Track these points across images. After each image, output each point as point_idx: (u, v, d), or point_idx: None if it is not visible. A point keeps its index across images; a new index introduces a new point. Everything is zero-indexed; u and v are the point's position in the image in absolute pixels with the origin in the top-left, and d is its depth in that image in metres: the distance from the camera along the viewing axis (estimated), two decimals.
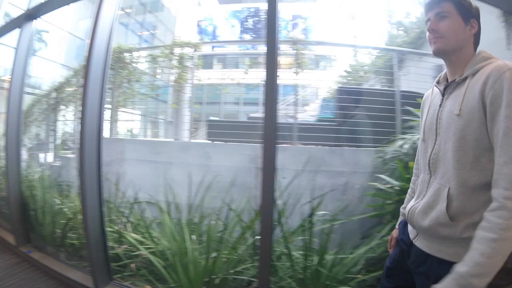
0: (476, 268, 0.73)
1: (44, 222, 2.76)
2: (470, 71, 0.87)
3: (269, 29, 1.55)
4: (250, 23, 22.42)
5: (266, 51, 1.54)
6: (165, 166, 3.20)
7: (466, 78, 0.88)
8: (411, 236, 1.01)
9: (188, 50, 3.52)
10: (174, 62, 3.57)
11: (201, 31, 21.95)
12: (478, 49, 0.94)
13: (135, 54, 4.00)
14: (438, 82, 1.01)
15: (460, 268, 0.76)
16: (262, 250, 1.55)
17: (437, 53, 0.95)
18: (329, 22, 17.98)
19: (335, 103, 4.12)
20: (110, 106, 3.91)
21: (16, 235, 2.91)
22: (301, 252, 1.95)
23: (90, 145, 2.00)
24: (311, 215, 1.98)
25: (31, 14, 3.00)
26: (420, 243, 0.95)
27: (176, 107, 3.60)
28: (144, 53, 4.21)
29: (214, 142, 3.60)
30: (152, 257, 2.03)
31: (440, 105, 0.95)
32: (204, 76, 3.72)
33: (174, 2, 20.69)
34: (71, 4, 2.93)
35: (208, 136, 3.75)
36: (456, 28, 0.91)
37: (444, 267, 0.82)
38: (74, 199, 2.96)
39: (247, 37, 22.44)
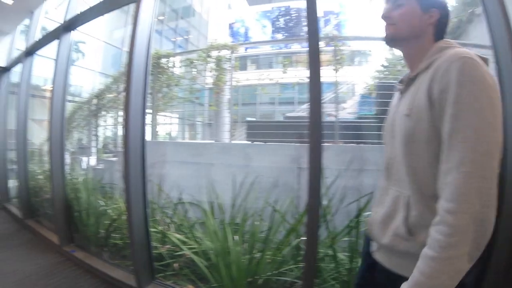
0: None
1: (88, 223, 2.88)
2: (423, 65, 0.79)
3: (310, 26, 1.52)
4: (281, 22, 22.35)
5: (308, 48, 1.50)
6: (206, 167, 3.24)
7: (418, 74, 0.80)
8: (373, 248, 0.91)
9: (224, 53, 3.57)
10: (212, 65, 3.63)
11: (233, 34, 22.25)
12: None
13: (172, 59, 4.12)
14: (401, 81, 0.91)
15: (403, 287, 0.67)
16: (307, 252, 1.51)
17: (387, 42, 0.89)
18: (362, 16, 17.41)
19: (374, 99, 3.97)
20: (150, 110, 4.05)
21: (60, 235, 3.06)
22: (346, 254, 1.88)
23: (134, 148, 2.07)
24: (357, 215, 1.91)
25: (68, 26, 3.18)
26: (380, 257, 0.86)
27: (215, 109, 3.65)
28: (181, 57, 4.32)
29: (254, 142, 3.60)
30: (195, 257, 2.05)
31: (397, 105, 0.87)
32: (241, 78, 3.74)
33: (204, 7, 21.22)
34: (105, 15, 3.10)
35: (248, 137, 3.77)
36: (409, 15, 0.84)
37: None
38: (118, 201, 3.06)
39: (279, 36, 22.39)
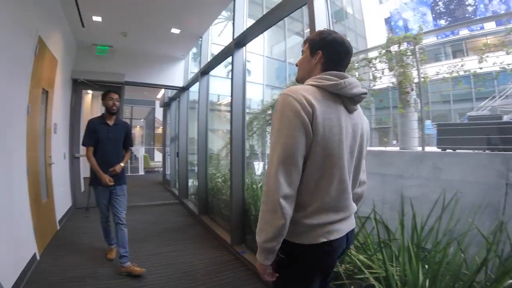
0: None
1: None
2: None
3: None
4: (440, 6, 18.79)
5: None
6: (394, 179, 2.81)
7: None
8: None
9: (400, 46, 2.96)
10: (394, 61, 3.07)
11: (392, 28, 20.29)
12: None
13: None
14: None
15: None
16: None
17: (298, 82, 1.20)
18: None
19: None
20: None
21: (233, 235, 3.32)
22: None
23: None
24: None
25: (239, 42, 3.38)
26: None
27: (402, 112, 3.06)
28: (355, 58, 3.95)
29: (447, 150, 2.92)
30: (376, 283, 1.73)
31: None
32: (430, 72, 3.01)
33: (355, 6, 20.31)
34: (264, 33, 3.22)
35: (440, 144, 3.08)
36: (304, 61, 1.18)
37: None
38: None
39: (442, 22, 18.90)
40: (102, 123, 2.90)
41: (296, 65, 1.22)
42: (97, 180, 2.85)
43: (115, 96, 2.90)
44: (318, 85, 1.03)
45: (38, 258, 2.91)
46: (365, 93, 1.07)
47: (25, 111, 2.78)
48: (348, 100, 1.05)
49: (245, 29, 3.31)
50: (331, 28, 2.15)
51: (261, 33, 3.22)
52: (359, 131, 1.11)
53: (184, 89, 6.26)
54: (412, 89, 2.95)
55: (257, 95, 11.41)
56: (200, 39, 5.14)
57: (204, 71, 4.76)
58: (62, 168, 4.56)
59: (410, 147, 3.24)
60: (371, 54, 3.56)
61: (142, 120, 19.45)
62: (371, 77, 3.41)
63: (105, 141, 2.86)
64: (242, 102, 3.37)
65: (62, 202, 4.31)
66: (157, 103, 15.50)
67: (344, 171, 1.03)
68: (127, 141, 3.04)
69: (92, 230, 3.96)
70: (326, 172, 0.99)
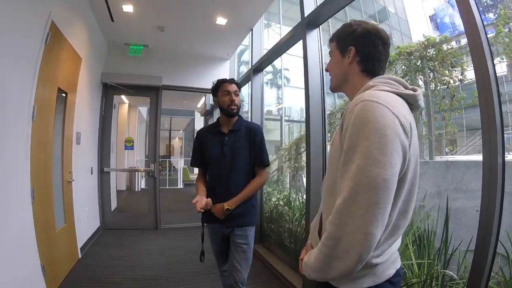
0: None
1: None
2: (347, 105, 0.84)
3: None
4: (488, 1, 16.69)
5: None
6: None
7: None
8: None
9: None
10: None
11: (438, 26, 18.60)
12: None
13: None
14: None
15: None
16: None
17: (332, 91, 1.02)
18: None
19: None
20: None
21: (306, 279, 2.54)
22: None
23: None
24: None
25: (312, 21, 2.64)
26: None
27: None
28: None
29: None
30: None
31: None
32: None
33: (398, 5, 19.34)
34: None
35: None
36: (334, 64, 0.96)
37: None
38: None
39: (490, 16, 16.78)
40: (214, 133, 1.91)
41: (327, 70, 1.01)
42: (208, 214, 1.83)
43: (233, 87, 1.88)
44: (401, 93, 0.82)
45: None
46: None
47: (28, 115, 2.13)
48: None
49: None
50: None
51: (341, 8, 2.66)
52: None
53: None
54: None
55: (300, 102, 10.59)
56: (251, 32, 4.35)
57: (257, 68, 3.99)
58: (89, 185, 3.95)
59: None
60: None
61: (181, 131, 19.39)
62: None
63: (218, 159, 1.85)
64: (321, 93, 2.60)
65: (86, 225, 3.68)
66: (196, 114, 15.22)
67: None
68: (257, 155, 1.86)
69: (122, 259, 3.25)
70: (409, 207, 0.81)
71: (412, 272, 1.93)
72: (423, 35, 3.41)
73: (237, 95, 1.88)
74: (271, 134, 9.38)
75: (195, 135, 2.03)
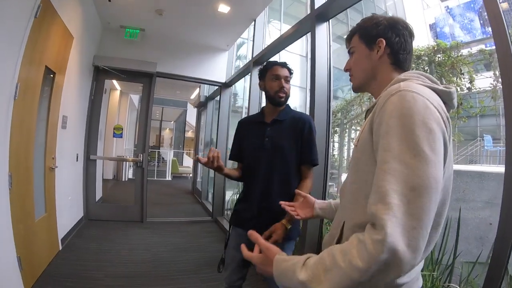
0: None
1: None
2: (377, 100, 0.74)
3: None
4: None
5: None
6: None
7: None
8: None
9: None
10: None
11: (438, 35, 18.76)
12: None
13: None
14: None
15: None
16: None
17: (355, 92, 0.93)
18: None
19: None
20: None
21: None
22: None
23: None
24: None
25: (322, 14, 2.50)
26: None
27: None
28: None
29: None
30: None
31: None
32: None
33: (399, 11, 19.39)
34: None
35: None
36: (359, 60, 0.86)
37: None
38: None
39: (490, 30, 17.07)
40: (255, 123, 1.68)
41: (346, 70, 0.91)
42: (237, 215, 1.65)
43: (284, 71, 1.61)
44: (437, 89, 0.72)
45: None
46: None
47: (10, 94, 1.93)
48: None
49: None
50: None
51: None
52: None
53: (227, 85, 5.34)
54: None
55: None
56: (253, 23, 4.18)
57: (258, 61, 3.83)
58: (73, 172, 3.74)
59: None
60: None
61: (172, 122, 19.04)
62: None
63: (256, 152, 1.60)
64: (328, 88, 2.49)
65: (69, 215, 3.48)
66: (189, 106, 14.92)
67: None
68: (304, 151, 1.58)
69: (105, 254, 3.08)
70: (441, 218, 0.71)
71: None
72: (434, 40, 3.37)
73: (288, 81, 1.62)
74: None
75: (236, 126, 1.78)
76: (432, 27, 19.56)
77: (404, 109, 0.61)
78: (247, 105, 4.13)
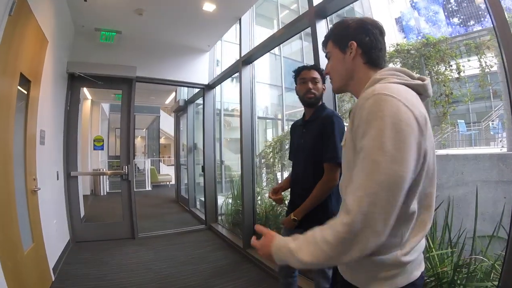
0: None
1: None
2: (357, 101, 0.80)
3: None
4: (453, 4, 18.15)
5: None
6: None
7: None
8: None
9: None
10: None
11: (403, 29, 19.64)
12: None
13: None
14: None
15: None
16: None
17: (336, 93, 1.07)
18: None
19: None
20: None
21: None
22: None
23: None
24: None
25: (320, 11, 2.54)
26: (341, 270, 0.90)
27: None
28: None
29: None
30: None
31: None
32: None
33: (365, 6, 19.94)
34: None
35: None
36: (335, 64, 0.93)
37: None
38: None
39: (455, 20, 18.18)
40: (299, 125, 1.86)
41: (327, 74, 0.98)
42: (286, 213, 1.86)
43: (311, 73, 1.71)
44: (411, 84, 0.80)
45: None
46: None
47: None
48: None
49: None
50: None
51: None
52: None
53: (210, 87, 5.10)
54: None
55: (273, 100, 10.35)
56: (239, 22, 3.98)
57: (247, 60, 3.66)
58: (56, 193, 3.35)
59: None
60: None
61: (144, 130, 18.30)
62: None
63: (295, 153, 1.84)
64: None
65: (57, 240, 3.11)
66: (162, 112, 14.36)
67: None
68: (325, 148, 1.60)
69: (103, 279, 2.78)
70: (431, 200, 0.80)
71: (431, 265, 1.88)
72: (423, 34, 3.59)
73: (316, 82, 1.72)
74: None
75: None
76: (398, 21, 20.45)
77: (377, 112, 0.69)
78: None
